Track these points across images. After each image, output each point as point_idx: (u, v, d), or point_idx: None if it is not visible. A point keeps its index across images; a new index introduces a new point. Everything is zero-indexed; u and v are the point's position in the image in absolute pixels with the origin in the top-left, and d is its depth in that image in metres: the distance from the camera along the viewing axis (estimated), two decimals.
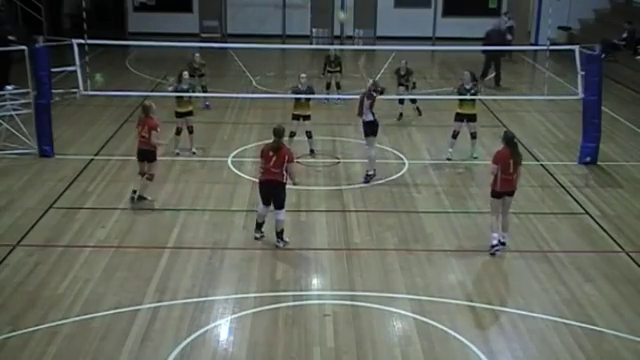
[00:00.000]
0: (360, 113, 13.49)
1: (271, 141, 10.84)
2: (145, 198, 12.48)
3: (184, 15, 29.70)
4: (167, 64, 18.08)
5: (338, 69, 19.13)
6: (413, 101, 18.09)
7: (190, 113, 14.97)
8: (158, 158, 12.60)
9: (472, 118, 14.94)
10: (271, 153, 10.67)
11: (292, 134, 14.75)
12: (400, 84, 17.56)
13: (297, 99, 14.78)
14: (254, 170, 14.08)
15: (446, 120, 17.95)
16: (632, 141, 16.64)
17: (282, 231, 10.94)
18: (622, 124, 17.79)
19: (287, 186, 10.84)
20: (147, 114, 12.17)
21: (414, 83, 17.74)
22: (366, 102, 13.38)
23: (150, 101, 12.67)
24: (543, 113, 18.60)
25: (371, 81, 13.77)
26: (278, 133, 10.81)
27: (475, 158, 14.97)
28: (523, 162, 14.64)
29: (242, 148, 15.56)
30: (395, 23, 28.81)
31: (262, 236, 11.10)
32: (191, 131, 14.99)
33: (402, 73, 17.50)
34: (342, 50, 28.67)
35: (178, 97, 14.89)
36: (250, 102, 19.20)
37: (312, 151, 15.18)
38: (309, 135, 15.04)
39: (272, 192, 10.77)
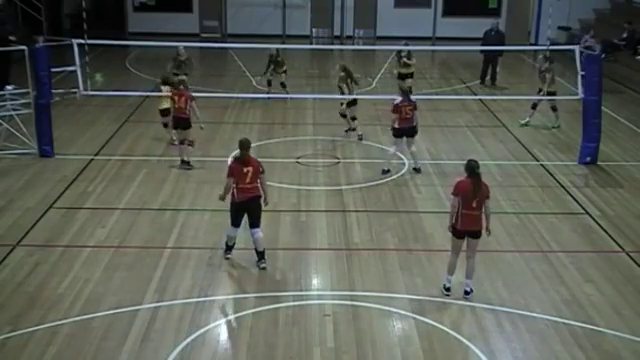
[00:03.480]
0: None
1: (236, 156, 10.21)
2: (188, 163, 13.92)
3: (184, 15, 29.71)
4: (167, 64, 18.08)
5: (284, 69, 19.28)
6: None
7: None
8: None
9: None
10: (244, 169, 9.87)
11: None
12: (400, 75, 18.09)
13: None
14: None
15: (446, 120, 18.02)
16: (632, 141, 16.64)
17: (264, 250, 10.24)
18: (622, 124, 17.80)
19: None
20: (185, 87, 14.06)
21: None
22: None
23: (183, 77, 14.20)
24: (543, 113, 18.60)
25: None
26: (244, 146, 9.98)
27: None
28: (523, 162, 14.90)
29: None
30: (395, 23, 28.81)
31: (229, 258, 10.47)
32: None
33: (402, 54, 17.99)
34: (342, 50, 28.74)
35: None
36: (250, 102, 19.21)
37: (351, 130, 16.04)
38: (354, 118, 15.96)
39: (251, 210, 10.06)
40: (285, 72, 19.38)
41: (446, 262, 9.98)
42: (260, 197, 10.10)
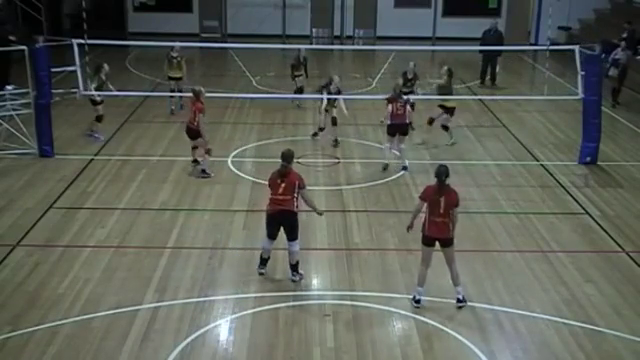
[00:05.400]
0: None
1: (278, 167, 9.77)
2: (205, 171, 13.69)
3: (184, 15, 29.71)
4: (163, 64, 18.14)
5: (303, 72, 18.54)
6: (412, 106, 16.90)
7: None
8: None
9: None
10: (279, 180, 9.58)
11: (321, 129, 15.66)
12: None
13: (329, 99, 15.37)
14: (254, 170, 14.12)
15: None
16: (632, 141, 16.65)
17: (297, 263, 9.95)
18: (622, 124, 17.80)
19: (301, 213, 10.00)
20: (197, 98, 13.74)
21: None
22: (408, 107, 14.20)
23: (200, 87, 14.09)
24: (543, 113, 18.61)
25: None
26: (286, 158, 9.64)
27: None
28: (523, 162, 14.89)
29: (242, 148, 15.57)
30: (395, 23, 28.82)
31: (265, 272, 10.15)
32: (99, 120, 15.98)
33: (409, 77, 16.65)
34: (342, 50, 28.75)
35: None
36: (250, 102, 19.21)
37: (336, 140, 15.70)
38: (334, 122, 15.57)
39: (283, 223, 9.70)
40: (299, 76, 18.57)
41: (445, 262, 9.98)
42: (292, 212, 9.61)
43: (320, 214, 10.20)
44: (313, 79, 19.11)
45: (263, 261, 10.09)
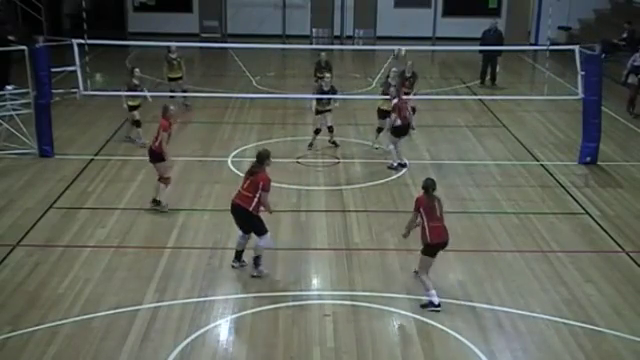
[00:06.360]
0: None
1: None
2: (159, 202, 12.11)
3: (184, 15, 29.71)
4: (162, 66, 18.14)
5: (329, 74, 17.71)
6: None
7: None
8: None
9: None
10: (247, 176, 9.90)
11: (317, 131, 15.28)
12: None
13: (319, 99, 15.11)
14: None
15: (446, 120, 18.01)
16: (632, 141, 16.65)
17: (258, 258, 9.94)
18: (622, 124, 17.80)
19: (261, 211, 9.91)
20: (163, 114, 12.00)
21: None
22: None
23: (171, 105, 12.53)
24: (543, 113, 18.61)
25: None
26: (258, 158, 9.91)
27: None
28: (523, 162, 14.91)
29: (242, 148, 15.56)
30: (395, 23, 28.82)
31: (242, 266, 10.21)
32: (138, 125, 15.66)
33: (407, 75, 16.46)
34: (342, 50, 28.75)
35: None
36: (250, 102, 19.21)
37: (334, 142, 15.57)
38: (331, 129, 15.37)
39: (238, 217, 9.92)
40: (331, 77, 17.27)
41: (445, 262, 10.01)
42: (248, 211, 9.71)
43: (270, 213, 10.12)
44: (312, 79, 19.11)
45: (236, 254, 10.22)
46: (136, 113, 15.58)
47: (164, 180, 12.11)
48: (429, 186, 9.26)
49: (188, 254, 10.71)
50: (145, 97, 15.75)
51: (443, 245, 9.27)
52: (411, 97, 16.27)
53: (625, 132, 17.27)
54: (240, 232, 10.12)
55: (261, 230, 9.90)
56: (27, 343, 8.43)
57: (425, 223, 9.14)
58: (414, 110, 17.59)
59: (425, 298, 9.33)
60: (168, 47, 18.11)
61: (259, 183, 9.72)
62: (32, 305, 9.22)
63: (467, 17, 28.62)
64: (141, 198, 12.73)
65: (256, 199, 9.71)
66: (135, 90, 15.46)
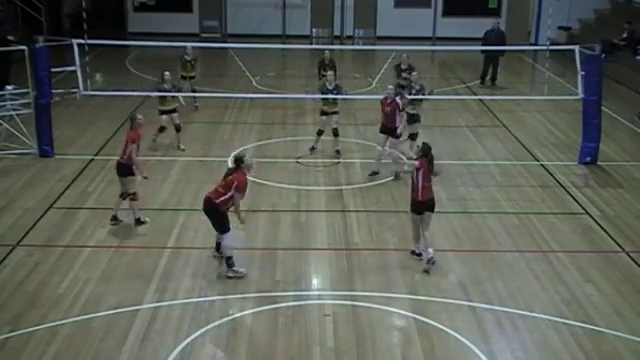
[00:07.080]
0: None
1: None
2: (140, 220, 11.65)
3: (184, 15, 29.69)
4: (167, 64, 18.07)
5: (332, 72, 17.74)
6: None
7: (174, 110, 15.10)
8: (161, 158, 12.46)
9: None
10: (224, 175, 10.07)
11: (320, 132, 14.95)
12: (400, 85, 15.79)
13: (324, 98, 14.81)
14: (254, 170, 14.07)
15: (446, 120, 18.01)
16: (632, 141, 16.65)
17: (229, 259, 9.95)
18: (622, 124, 17.79)
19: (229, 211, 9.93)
20: (131, 125, 11.58)
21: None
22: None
23: (138, 114, 12.10)
24: (543, 113, 18.60)
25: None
26: (236, 160, 10.07)
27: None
28: (523, 162, 14.92)
29: (242, 148, 15.53)
30: (395, 23, 28.80)
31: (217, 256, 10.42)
32: (178, 129, 15.14)
33: (403, 67, 16.46)
34: (342, 50, 28.75)
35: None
36: (250, 102, 19.21)
37: (337, 151, 15.05)
38: (335, 133, 14.91)
39: (206, 212, 9.99)
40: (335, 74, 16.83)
41: (445, 262, 10.01)
42: (215, 207, 9.81)
43: (241, 222, 10.13)
44: (312, 79, 19.11)
45: (217, 245, 10.43)
46: (175, 116, 15.06)
47: (131, 196, 11.53)
48: (429, 150, 10.25)
49: (188, 254, 10.71)
50: (179, 101, 15.46)
51: (430, 202, 10.17)
52: (427, 96, 15.24)
53: (625, 132, 17.26)
54: None
55: (222, 228, 9.95)
56: (27, 343, 8.43)
57: (420, 183, 10.10)
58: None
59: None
60: (184, 48, 18.07)
61: (233, 182, 9.78)
62: (32, 305, 9.22)
63: (467, 17, 28.62)
64: (141, 198, 12.70)
65: (226, 195, 9.76)
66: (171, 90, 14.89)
